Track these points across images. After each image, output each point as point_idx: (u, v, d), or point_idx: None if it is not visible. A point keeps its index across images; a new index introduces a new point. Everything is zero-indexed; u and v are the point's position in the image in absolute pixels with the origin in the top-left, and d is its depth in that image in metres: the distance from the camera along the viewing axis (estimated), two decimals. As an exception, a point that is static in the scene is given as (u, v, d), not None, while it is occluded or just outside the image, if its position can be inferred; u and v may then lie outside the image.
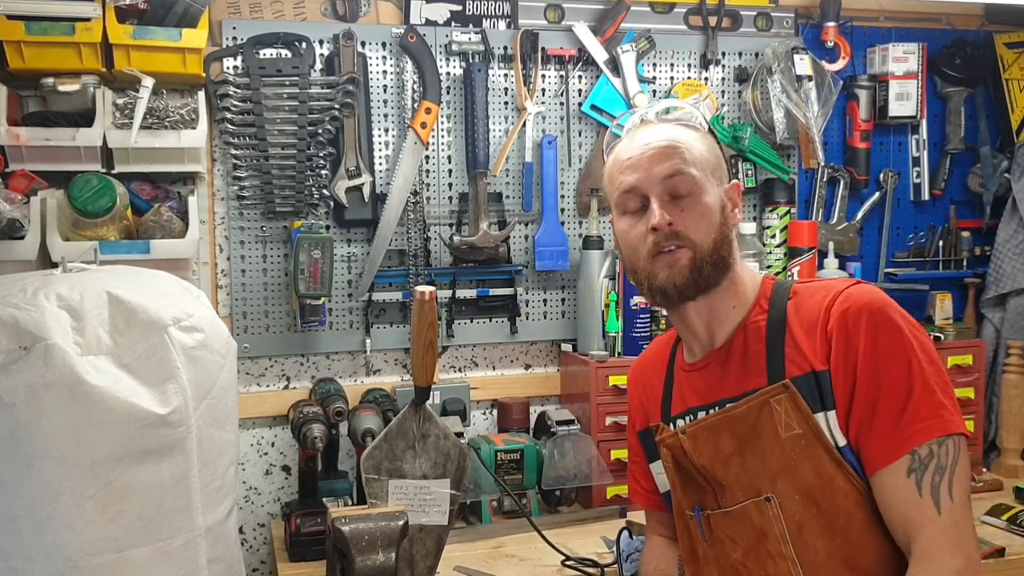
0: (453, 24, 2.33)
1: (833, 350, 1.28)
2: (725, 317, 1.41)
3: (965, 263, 2.71)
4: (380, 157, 2.30)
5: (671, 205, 1.36)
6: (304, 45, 2.19)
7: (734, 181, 1.47)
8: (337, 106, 2.19)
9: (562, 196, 2.43)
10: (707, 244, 1.36)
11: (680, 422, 1.45)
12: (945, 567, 1.20)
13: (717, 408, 1.39)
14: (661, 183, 1.36)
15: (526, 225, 2.42)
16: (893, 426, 1.24)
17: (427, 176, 2.33)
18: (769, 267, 2.52)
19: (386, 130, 2.31)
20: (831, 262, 2.52)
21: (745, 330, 1.39)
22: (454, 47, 2.31)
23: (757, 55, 2.54)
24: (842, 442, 1.28)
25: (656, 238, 1.35)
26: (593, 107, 2.42)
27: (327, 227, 2.23)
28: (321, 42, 2.23)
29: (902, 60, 2.58)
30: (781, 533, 1.30)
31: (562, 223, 2.41)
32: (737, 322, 1.40)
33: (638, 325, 2.32)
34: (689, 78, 2.51)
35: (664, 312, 2.02)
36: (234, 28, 2.17)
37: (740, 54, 2.54)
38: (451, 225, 2.36)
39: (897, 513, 1.24)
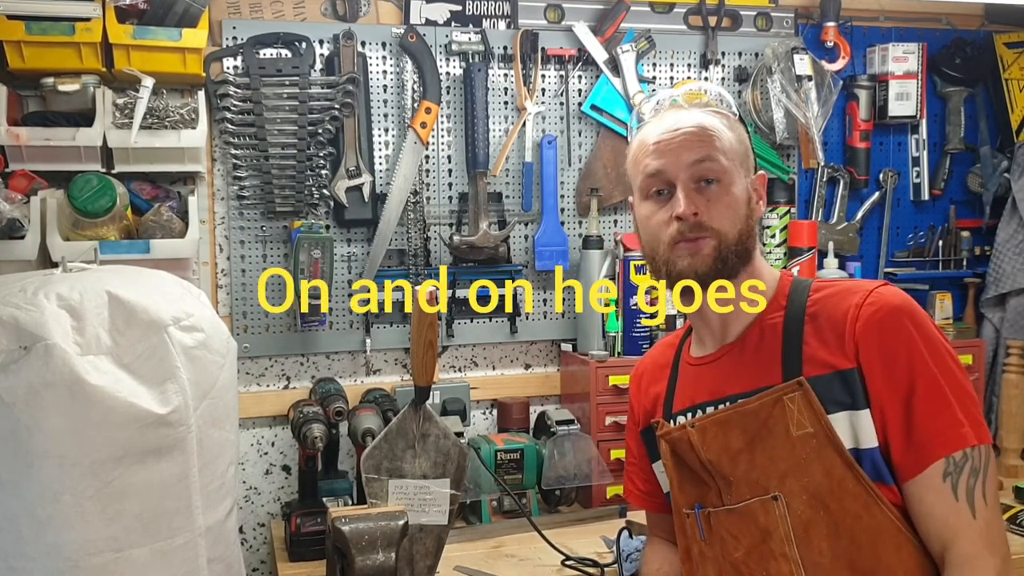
0: (453, 24, 2.33)
1: (863, 349, 1.25)
2: (741, 310, 1.39)
3: (965, 263, 2.71)
4: (380, 157, 2.30)
5: (697, 194, 1.33)
6: (304, 45, 2.19)
7: (760, 172, 1.42)
8: (337, 106, 2.19)
9: (562, 196, 2.43)
10: (732, 234, 1.33)
11: (681, 418, 1.43)
12: (985, 569, 1.20)
13: (727, 403, 1.36)
14: (688, 169, 1.33)
15: (526, 225, 2.42)
16: (928, 431, 1.22)
17: (427, 176, 2.33)
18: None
19: (386, 130, 2.31)
20: (831, 262, 2.52)
21: (761, 326, 1.36)
22: (454, 47, 2.30)
23: (757, 55, 2.54)
24: (871, 443, 1.25)
25: (680, 227, 1.32)
26: (593, 107, 2.42)
27: (327, 227, 2.23)
28: (321, 42, 2.23)
29: (902, 60, 2.58)
30: (786, 533, 1.28)
31: (562, 223, 2.41)
32: (753, 317, 1.38)
33: (638, 325, 2.32)
34: (689, 78, 2.50)
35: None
36: (234, 28, 2.17)
37: (740, 54, 2.54)
38: (451, 225, 2.36)
39: (932, 518, 1.23)
